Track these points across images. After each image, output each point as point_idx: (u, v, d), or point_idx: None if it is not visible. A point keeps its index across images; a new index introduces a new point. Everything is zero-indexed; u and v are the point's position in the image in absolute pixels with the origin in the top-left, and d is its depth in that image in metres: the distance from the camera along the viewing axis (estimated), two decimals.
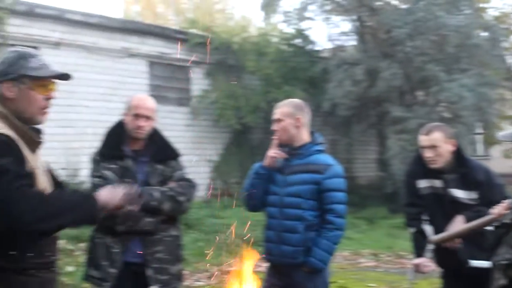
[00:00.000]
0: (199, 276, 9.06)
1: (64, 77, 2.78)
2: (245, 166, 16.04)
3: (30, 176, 2.52)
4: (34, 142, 2.70)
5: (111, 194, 2.69)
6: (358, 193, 17.32)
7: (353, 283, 8.63)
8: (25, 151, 2.60)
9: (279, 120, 4.25)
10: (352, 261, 10.58)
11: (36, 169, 2.62)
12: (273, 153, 4.26)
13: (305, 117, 4.27)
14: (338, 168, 4.23)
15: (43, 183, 2.64)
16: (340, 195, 4.16)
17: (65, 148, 12.70)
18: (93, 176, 4.08)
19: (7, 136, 2.51)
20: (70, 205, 2.54)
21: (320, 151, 4.27)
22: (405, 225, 4.89)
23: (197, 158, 15.08)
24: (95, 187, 3.98)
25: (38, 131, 2.77)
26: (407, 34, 14.96)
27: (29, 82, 2.65)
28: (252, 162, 16.46)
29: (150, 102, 4.21)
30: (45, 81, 2.70)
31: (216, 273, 9.42)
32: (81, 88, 13.01)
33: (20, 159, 2.53)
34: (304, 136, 4.27)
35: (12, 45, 11.59)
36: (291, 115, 4.23)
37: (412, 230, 4.63)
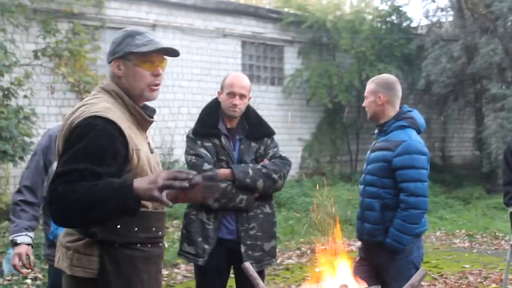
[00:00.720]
0: (289, 254, 9.17)
1: (170, 52, 2.77)
2: (337, 145, 16.09)
3: (82, 171, 2.41)
4: (145, 121, 2.75)
5: (149, 179, 2.38)
6: (452, 172, 17.01)
7: (447, 264, 8.51)
8: (132, 130, 2.64)
9: (365, 97, 4.31)
10: (446, 241, 10.42)
11: (139, 150, 2.64)
12: None
13: (390, 94, 4.21)
14: (411, 144, 4.04)
15: (147, 163, 2.67)
16: (411, 173, 3.98)
17: (161, 127, 13.09)
18: (189, 154, 4.14)
19: (108, 121, 2.53)
20: (99, 198, 2.34)
21: (403, 127, 4.16)
22: (504, 204, 4.77)
23: (289, 137, 15.19)
24: (191, 165, 4.11)
25: (152, 111, 2.83)
26: (508, 8, 14.40)
27: (134, 59, 2.67)
28: (344, 141, 16.36)
29: (245, 81, 4.22)
30: (151, 57, 2.69)
31: (307, 251, 9.52)
32: (176, 68, 13.35)
33: (112, 145, 2.52)
34: (390, 113, 4.22)
35: (110, 28, 12.04)
36: (374, 93, 4.23)
37: (511, 209, 4.52)
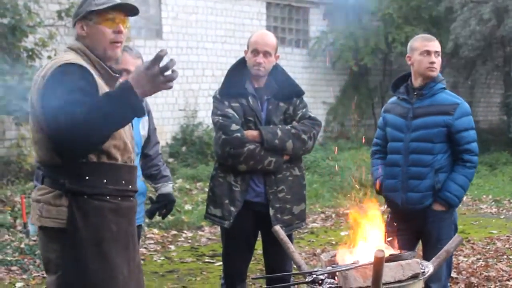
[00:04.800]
0: (314, 218, 9.13)
1: (128, 8, 2.83)
2: (362, 109, 15.92)
3: (87, 91, 2.53)
4: (110, 77, 2.82)
5: (145, 76, 2.50)
6: (479, 137, 16.65)
7: (474, 229, 8.41)
8: (100, 81, 2.71)
9: (433, 53, 4.07)
10: (472, 207, 10.30)
11: None
12: None
13: None
14: (465, 105, 4.08)
15: None
16: (472, 133, 4.06)
17: (184, 90, 13.01)
18: (216, 115, 4.05)
19: (80, 66, 2.64)
20: (108, 108, 2.46)
21: (443, 89, 4.11)
22: None
23: (313, 100, 15.04)
24: (219, 126, 4.03)
25: (115, 69, 2.89)
26: None
27: (95, 18, 2.77)
28: (369, 104, 16.11)
29: (269, 38, 4.10)
30: (111, 15, 2.77)
31: (332, 215, 9.48)
32: (200, 30, 13.21)
33: (90, 82, 2.62)
34: None
35: None
36: (439, 53, 4.14)
37: None
